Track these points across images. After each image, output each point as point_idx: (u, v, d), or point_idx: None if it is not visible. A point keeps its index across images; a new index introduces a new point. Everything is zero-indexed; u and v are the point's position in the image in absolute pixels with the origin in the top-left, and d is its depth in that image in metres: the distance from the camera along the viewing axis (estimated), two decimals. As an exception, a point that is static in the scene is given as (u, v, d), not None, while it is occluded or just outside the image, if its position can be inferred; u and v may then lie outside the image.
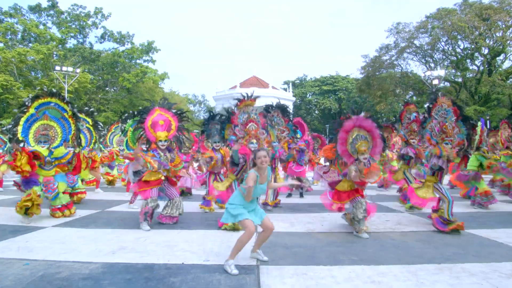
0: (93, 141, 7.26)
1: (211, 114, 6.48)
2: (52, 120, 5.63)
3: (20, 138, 5.37)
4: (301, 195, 8.35)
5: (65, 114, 5.71)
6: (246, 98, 5.41)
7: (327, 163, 7.64)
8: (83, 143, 8.91)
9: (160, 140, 5.06)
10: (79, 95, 32.82)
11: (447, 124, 5.07)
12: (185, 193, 8.53)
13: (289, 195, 8.47)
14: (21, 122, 5.41)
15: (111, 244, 4.02)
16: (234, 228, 4.69)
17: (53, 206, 5.56)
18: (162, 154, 5.08)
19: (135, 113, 6.24)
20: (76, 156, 6.02)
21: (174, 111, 5.40)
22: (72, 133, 5.74)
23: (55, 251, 3.70)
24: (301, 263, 3.38)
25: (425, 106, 5.58)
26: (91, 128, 7.19)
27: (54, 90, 5.76)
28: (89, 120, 7.06)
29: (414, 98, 35.33)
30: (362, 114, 4.95)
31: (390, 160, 9.13)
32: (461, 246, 4.07)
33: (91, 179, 9.09)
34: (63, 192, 5.75)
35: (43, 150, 5.37)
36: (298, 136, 7.66)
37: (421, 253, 3.77)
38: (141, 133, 5.25)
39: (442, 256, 3.62)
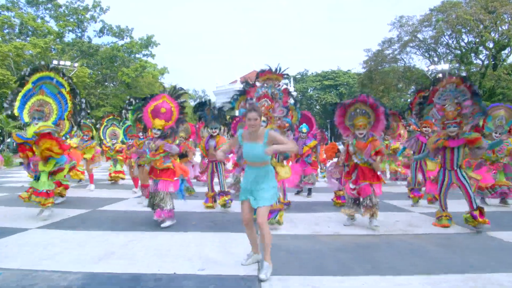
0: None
1: (203, 101, 6.25)
2: (48, 95, 5.27)
3: (16, 114, 5.08)
4: (310, 192, 7.82)
5: (62, 89, 5.34)
6: (272, 71, 4.73)
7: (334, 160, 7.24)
8: (93, 135, 8.22)
9: (155, 128, 4.81)
10: (78, 89, 32.35)
11: (446, 106, 4.66)
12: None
13: (299, 190, 7.97)
14: (19, 97, 5.12)
15: (98, 249, 3.65)
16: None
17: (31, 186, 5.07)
18: (152, 142, 4.85)
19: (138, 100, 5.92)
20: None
21: (180, 101, 5.06)
22: (68, 110, 5.36)
23: (35, 257, 3.34)
24: (308, 273, 3.00)
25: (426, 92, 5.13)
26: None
27: (53, 65, 5.38)
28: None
29: (416, 93, 34.77)
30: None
31: (395, 151, 8.78)
32: (483, 251, 3.69)
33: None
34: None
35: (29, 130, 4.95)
36: (305, 130, 7.21)
37: (440, 259, 3.39)
38: (139, 115, 4.97)
39: (465, 264, 3.25)
